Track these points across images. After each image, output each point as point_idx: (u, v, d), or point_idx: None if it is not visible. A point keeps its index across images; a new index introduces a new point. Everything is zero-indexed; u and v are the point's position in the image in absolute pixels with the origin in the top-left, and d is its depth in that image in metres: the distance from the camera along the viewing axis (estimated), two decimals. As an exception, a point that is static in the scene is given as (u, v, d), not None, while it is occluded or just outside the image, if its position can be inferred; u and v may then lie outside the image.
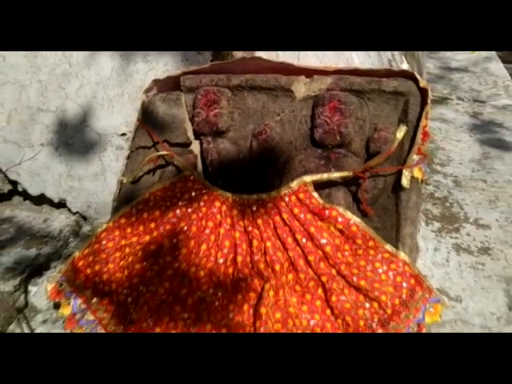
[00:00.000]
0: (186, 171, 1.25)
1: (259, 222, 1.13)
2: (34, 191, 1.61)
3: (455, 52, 2.99)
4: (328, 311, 1.06)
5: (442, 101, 2.37)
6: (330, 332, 1.03)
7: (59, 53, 1.50)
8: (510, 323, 1.14)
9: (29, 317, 1.27)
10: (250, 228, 1.13)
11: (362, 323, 1.03)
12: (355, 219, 1.12)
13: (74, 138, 1.52)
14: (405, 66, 1.73)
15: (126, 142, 1.47)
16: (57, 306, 1.22)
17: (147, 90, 1.38)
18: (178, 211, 1.17)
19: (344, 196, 1.19)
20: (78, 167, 1.54)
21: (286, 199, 1.14)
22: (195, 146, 1.35)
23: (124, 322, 1.03)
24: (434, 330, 1.12)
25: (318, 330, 1.03)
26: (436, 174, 1.74)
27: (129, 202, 1.26)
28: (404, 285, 1.06)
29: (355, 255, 1.11)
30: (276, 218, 1.13)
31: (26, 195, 1.67)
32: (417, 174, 1.13)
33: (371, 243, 1.11)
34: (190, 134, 1.34)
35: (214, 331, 0.99)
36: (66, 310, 1.12)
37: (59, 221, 1.60)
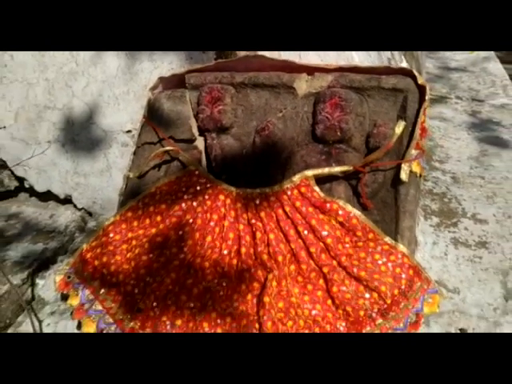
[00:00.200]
0: (191, 166, 1.29)
1: (262, 214, 1.16)
2: (40, 188, 1.64)
3: (454, 52, 3.02)
4: (329, 301, 1.09)
5: (441, 100, 2.40)
6: (331, 321, 1.06)
7: (66, 52, 1.53)
8: (506, 314, 1.17)
9: (37, 309, 1.29)
10: (253, 220, 1.16)
11: (362, 313, 1.05)
12: (355, 212, 1.15)
13: (80, 135, 1.55)
14: (404, 65, 1.76)
15: (132, 139, 1.50)
16: (64, 298, 1.25)
17: (153, 88, 1.41)
18: (183, 204, 1.20)
19: (344, 190, 1.22)
20: (83, 164, 1.57)
21: (289, 193, 1.17)
22: (200, 142, 1.38)
23: (131, 311, 1.06)
24: (432, 321, 1.15)
25: (320, 320, 1.06)
26: (435, 170, 1.77)
27: (135, 196, 1.30)
28: (403, 276, 1.08)
29: (355, 247, 1.14)
30: (279, 211, 1.16)
31: (32, 192, 1.70)
32: (415, 168, 1.16)
33: (371, 235, 1.14)
34: (195, 131, 1.37)
35: (218, 320, 1.02)
36: (74, 301, 1.15)
37: (65, 216, 1.62)
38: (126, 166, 1.47)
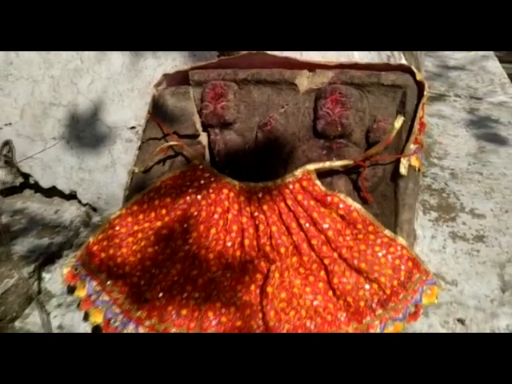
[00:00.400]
0: (195, 161, 1.31)
1: (265, 207, 1.18)
2: (45, 183, 1.66)
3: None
4: (330, 292, 1.11)
5: (439, 98, 2.42)
6: (332, 311, 1.08)
7: (71, 50, 1.56)
8: (502, 305, 1.19)
9: (44, 301, 1.32)
10: (256, 213, 1.18)
11: (362, 304, 1.07)
12: (356, 205, 1.17)
13: (85, 131, 1.57)
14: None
15: (136, 135, 1.53)
16: (71, 291, 1.28)
17: (157, 84, 1.44)
18: (188, 198, 1.23)
19: (345, 184, 1.24)
20: (88, 160, 1.59)
21: (291, 187, 1.20)
22: (203, 138, 1.40)
23: (138, 302, 1.09)
24: (431, 312, 1.18)
25: (321, 310, 1.08)
26: (433, 166, 1.79)
27: (140, 190, 1.32)
28: (402, 267, 1.10)
29: (356, 239, 1.16)
30: (281, 205, 1.18)
31: (37, 188, 1.72)
32: (414, 162, 1.18)
33: (371, 228, 1.16)
34: (199, 126, 1.40)
35: (223, 309, 1.05)
36: (81, 292, 1.17)
37: (70, 212, 1.64)
38: (130, 162, 1.50)
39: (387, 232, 1.15)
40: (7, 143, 1.17)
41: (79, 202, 1.66)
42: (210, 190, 1.22)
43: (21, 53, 1.59)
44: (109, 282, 1.16)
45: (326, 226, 1.15)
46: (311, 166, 1.20)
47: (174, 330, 1.04)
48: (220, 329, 1.03)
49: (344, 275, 1.11)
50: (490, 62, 2.87)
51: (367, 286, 1.09)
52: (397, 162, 1.20)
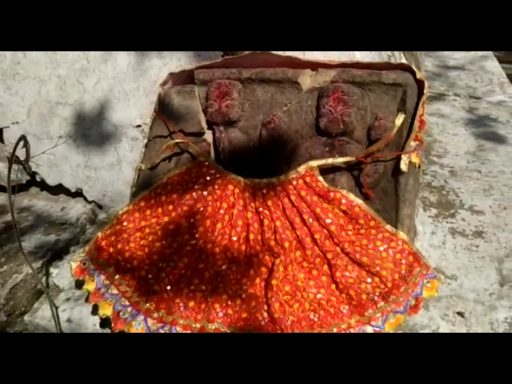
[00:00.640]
0: (200, 157, 1.34)
1: (269, 203, 1.21)
2: (51, 181, 1.69)
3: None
4: (333, 286, 1.12)
5: (439, 97, 2.44)
6: (335, 304, 1.10)
7: (77, 49, 1.58)
8: (501, 298, 1.21)
9: (52, 295, 1.34)
10: (260, 209, 1.21)
11: (364, 297, 1.09)
12: (358, 201, 1.19)
13: (91, 129, 1.60)
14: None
15: (141, 134, 1.55)
16: (78, 286, 1.30)
17: (163, 83, 1.46)
18: (194, 194, 1.26)
19: (347, 180, 1.27)
20: (94, 158, 1.62)
21: (294, 183, 1.22)
22: (208, 135, 1.43)
23: (146, 294, 1.11)
24: (431, 305, 1.20)
25: (324, 303, 1.10)
26: (433, 164, 1.82)
27: (147, 186, 1.34)
28: (403, 261, 1.12)
29: (358, 234, 1.18)
30: (285, 200, 1.21)
31: (43, 185, 1.75)
32: (414, 159, 1.21)
33: (373, 223, 1.18)
34: (204, 124, 1.42)
35: (229, 301, 1.07)
36: (90, 286, 1.19)
37: (76, 209, 1.67)
38: (135, 160, 1.52)
39: (388, 227, 1.18)
40: (23, 137, 1.19)
41: (85, 199, 1.68)
42: (216, 186, 1.25)
43: (28, 53, 1.61)
44: (117, 276, 1.18)
45: (328, 220, 1.17)
46: (314, 163, 1.23)
47: (181, 322, 1.06)
48: (226, 320, 1.05)
49: (346, 269, 1.13)
50: (489, 61, 2.89)
51: (369, 280, 1.11)
52: (397, 159, 1.22)
